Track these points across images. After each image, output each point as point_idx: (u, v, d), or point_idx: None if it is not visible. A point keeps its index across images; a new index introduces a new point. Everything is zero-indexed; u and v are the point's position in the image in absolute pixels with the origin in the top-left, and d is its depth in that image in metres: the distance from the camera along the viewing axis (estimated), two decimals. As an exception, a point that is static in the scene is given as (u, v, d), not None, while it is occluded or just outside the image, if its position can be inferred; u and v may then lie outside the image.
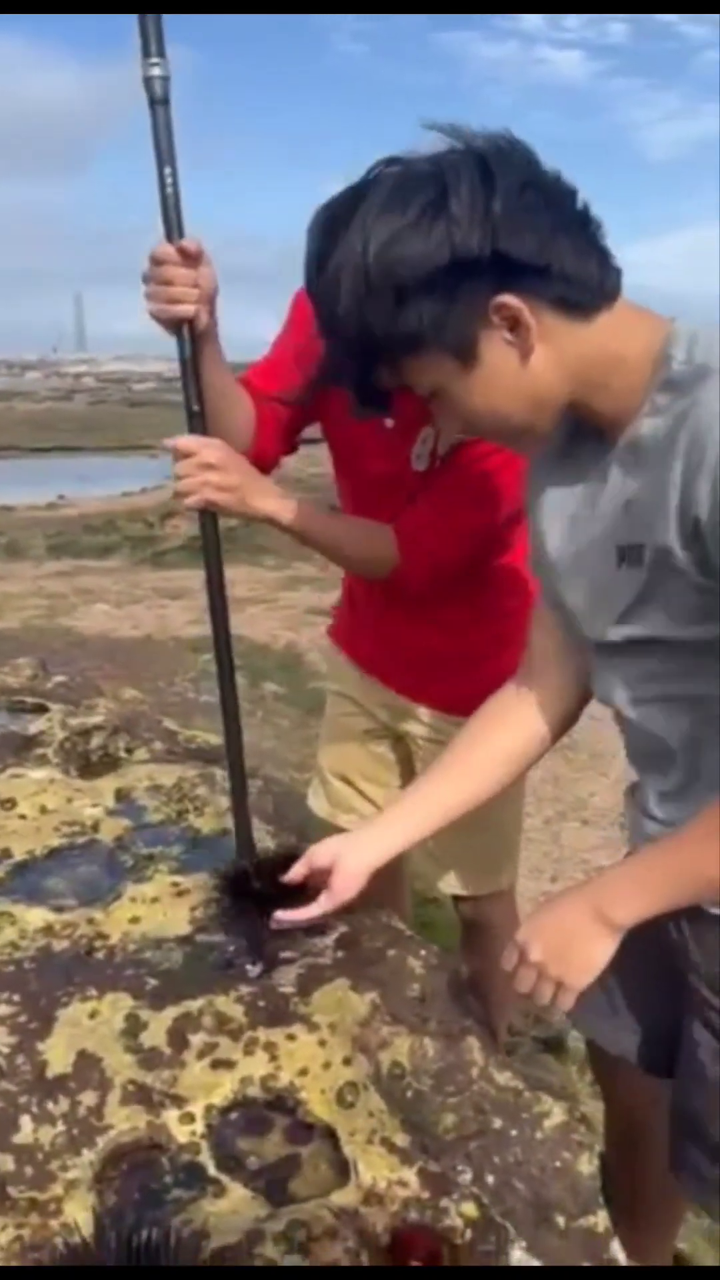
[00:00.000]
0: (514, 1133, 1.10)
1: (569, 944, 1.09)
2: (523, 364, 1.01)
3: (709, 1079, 1.18)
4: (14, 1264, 0.90)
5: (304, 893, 1.35)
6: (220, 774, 1.92)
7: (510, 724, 1.33)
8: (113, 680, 3.60)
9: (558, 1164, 1.09)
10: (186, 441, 1.38)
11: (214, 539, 1.42)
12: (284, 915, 1.32)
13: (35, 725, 2.16)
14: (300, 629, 6.08)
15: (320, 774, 2.06)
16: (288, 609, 6.69)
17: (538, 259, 0.96)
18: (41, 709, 2.28)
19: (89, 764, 2.04)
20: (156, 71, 1.26)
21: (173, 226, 1.31)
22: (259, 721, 4.38)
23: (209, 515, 1.40)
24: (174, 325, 1.34)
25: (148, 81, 1.26)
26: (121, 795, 1.85)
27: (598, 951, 1.08)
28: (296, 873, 1.33)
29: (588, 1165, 1.09)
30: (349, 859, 1.30)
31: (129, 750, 2.09)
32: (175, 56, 1.29)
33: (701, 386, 0.94)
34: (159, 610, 6.57)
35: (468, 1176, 1.03)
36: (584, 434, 1.12)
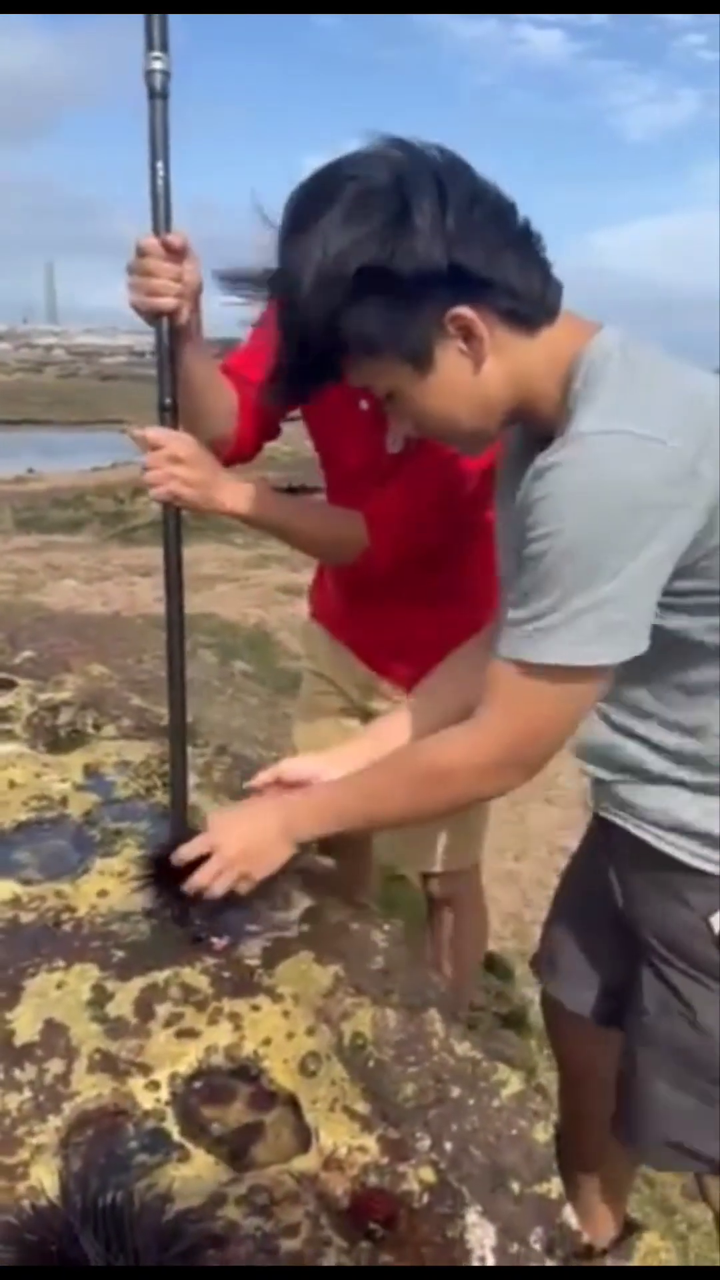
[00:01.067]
0: (472, 1101, 1.13)
1: (258, 848, 1.28)
2: (475, 373, 1.07)
3: (652, 1026, 1.24)
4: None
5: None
6: (190, 750, 1.93)
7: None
8: (81, 656, 3.58)
9: (514, 1132, 1.12)
10: (156, 434, 1.40)
11: (175, 532, 1.43)
12: None
13: (3, 700, 2.16)
14: (270, 607, 6.08)
15: (295, 750, 2.08)
16: (257, 587, 6.68)
17: (488, 272, 1.02)
18: (9, 684, 2.28)
19: (57, 739, 2.04)
20: (158, 65, 1.27)
21: (160, 220, 1.32)
22: (228, 699, 4.39)
23: (172, 508, 1.42)
24: (153, 317, 1.35)
25: (149, 75, 1.27)
26: (90, 770, 1.86)
27: (279, 856, 1.29)
28: (261, 780, 1.42)
29: (543, 1133, 1.13)
30: (329, 775, 1.37)
31: (97, 726, 2.10)
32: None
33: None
34: (128, 587, 6.55)
35: (426, 1143, 1.06)
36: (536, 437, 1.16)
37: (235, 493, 1.50)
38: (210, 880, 1.28)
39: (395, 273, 1.00)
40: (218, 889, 1.29)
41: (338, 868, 1.61)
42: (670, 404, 1.02)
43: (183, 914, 1.36)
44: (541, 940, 1.57)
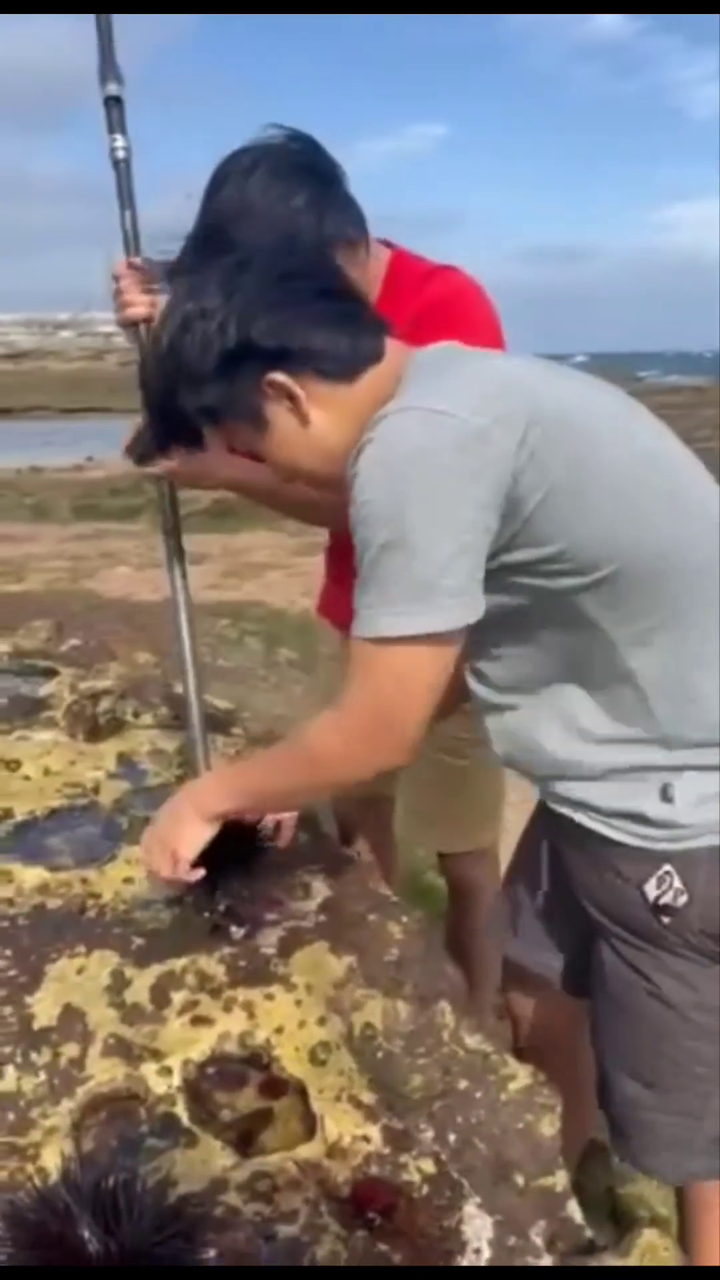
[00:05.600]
0: (479, 1094, 1.14)
1: (174, 826, 1.32)
2: (305, 427, 1.18)
3: (619, 1001, 1.27)
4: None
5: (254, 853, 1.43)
6: (223, 740, 1.96)
7: None
8: (129, 644, 3.64)
9: (520, 1125, 1.12)
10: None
11: (173, 506, 1.69)
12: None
13: (45, 688, 2.21)
14: (316, 595, 6.06)
15: None
16: (306, 574, 6.69)
17: (284, 343, 1.14)
18: (52, 672, 2.32)
19: (96, 727, 2.08)
20: (119, 144, 1.62)
21: (129, 250, 1.64)
22: (271, 687, 4.42)
23: (166, 484, 1.64)
24: (129, 326, 1.60)
25: (113, 152, 1.61)
26: (123, 759, 1.89)
27: (191, 832, 1.31)
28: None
29: (550, 1127, 1.13)
30: None
31: (136, 714, 2.13)
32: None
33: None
34: (180, 574, 6.58)
35: (429, 1135, 1.07)
36: None
37: (234, 465, 1.57)
38: (147, 864, 1.36)
39: (207, 358, 1.15)
40: (159, 870, 1.33)
41: (359, 855, 1.62)
42: (471, 386, 1.10)
43: (204, 901, 1.39)
44: (500, 901, 1.59)
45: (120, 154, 1.64)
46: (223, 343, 1.14)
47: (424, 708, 1.12)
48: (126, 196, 1.66)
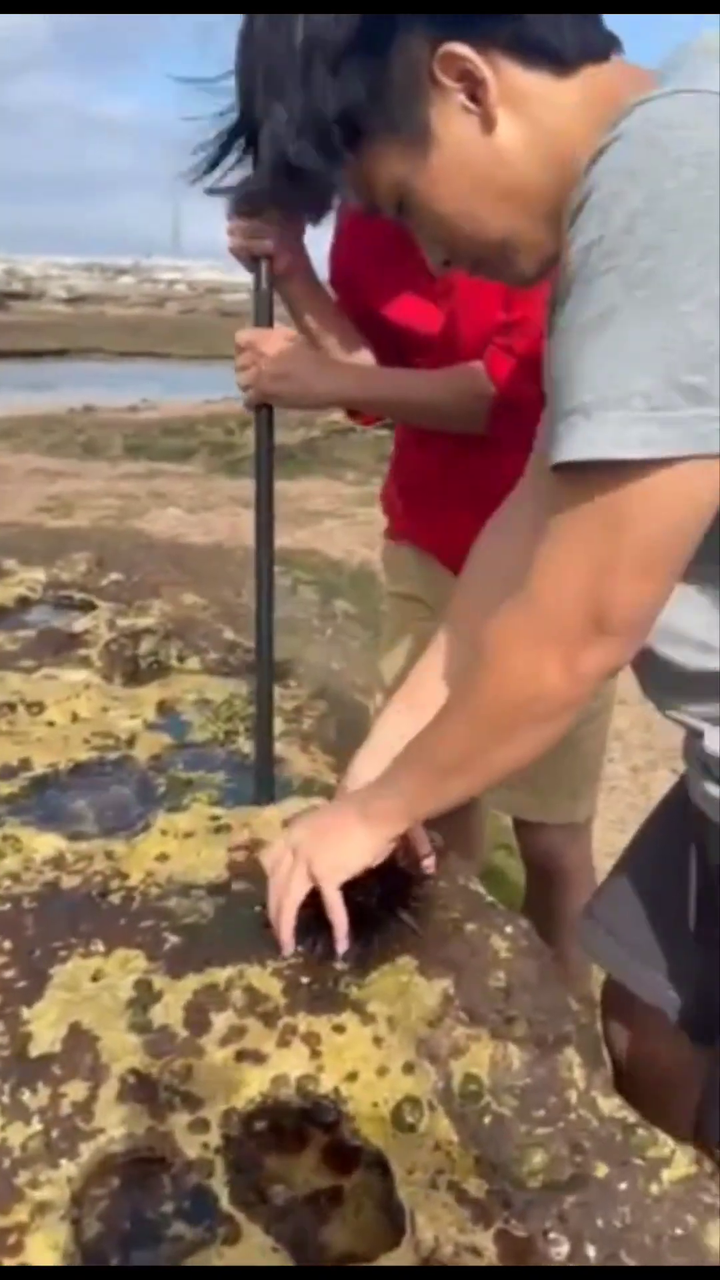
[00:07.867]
0: (623, 1185, 0.84)
1: (328, 834, 1.00)
2: (488, 136, 0.79)
3: None
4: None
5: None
6: (280, 692, 1.67)
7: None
8: (176, 585, 3.37)
9: (678, 1231, 0.82)
10: (246, 334, 1.34)
11: (267, 441, 1.32)
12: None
13: (80, 623, 1.94)
14: (377, 546, 5.76)
15: (383, 686, 1.82)
16: (365, 525, 6.36)
17: None
18: (89, 606, 2.06)
19: (136, 671, 1.81)
20: None
21: None
22: (327, 640, 4.14)
23: (265, 413, 1.32)
24: (252, 261, 1.33)
25: None
26: (164, 708, 1.61)
27: (350, 846, 0.99)
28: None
29: (717, 1235, 0.83)
30: None
31: (180, 658, 1.86)
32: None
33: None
34: (232, 518, 6.29)
35: (564, 1249, 0.77)
36: None
37: (335, 377, 1.40)
38: (272, 865, 1.03)
39: (350, 19, 0.76)
40: (280, 880, 1.01)
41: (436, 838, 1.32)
42: None
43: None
44: (599, 904, 1.29)
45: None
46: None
47: (658, 579, 0.75)
48: None
